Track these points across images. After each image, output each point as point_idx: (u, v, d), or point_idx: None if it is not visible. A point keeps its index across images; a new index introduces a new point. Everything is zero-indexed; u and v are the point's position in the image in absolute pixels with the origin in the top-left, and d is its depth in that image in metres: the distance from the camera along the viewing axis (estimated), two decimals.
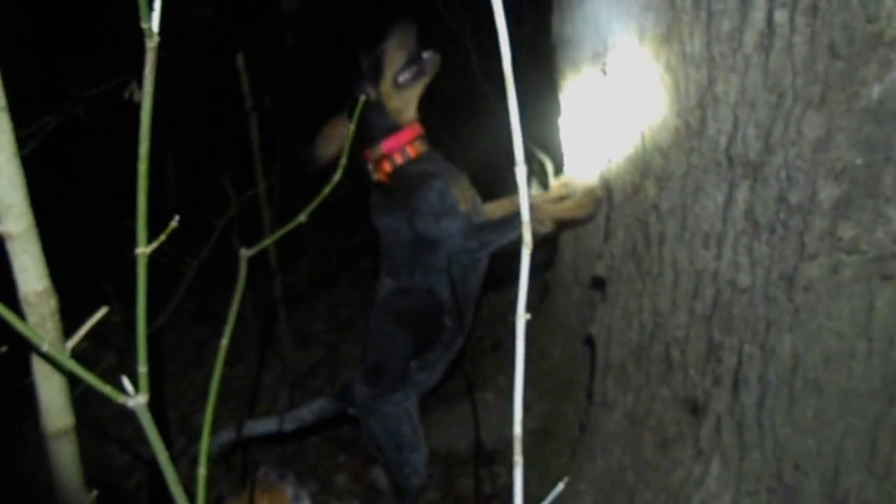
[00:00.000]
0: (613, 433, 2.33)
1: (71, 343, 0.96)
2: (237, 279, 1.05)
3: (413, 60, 2.50)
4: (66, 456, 1.00)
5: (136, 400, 0.82)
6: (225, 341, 0.92)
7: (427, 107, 2.69)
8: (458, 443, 3.51)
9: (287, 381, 4.35)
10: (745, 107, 1.78)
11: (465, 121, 5.35)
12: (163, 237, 0.83)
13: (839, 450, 1.87)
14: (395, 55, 2.49)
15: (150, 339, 0.86)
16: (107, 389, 0.81)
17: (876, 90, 1.61)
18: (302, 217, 1.10)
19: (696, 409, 2.08)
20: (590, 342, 2.46)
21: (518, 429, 0.59)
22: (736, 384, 1.97)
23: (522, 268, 0.64)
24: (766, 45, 1.71)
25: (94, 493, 1.07)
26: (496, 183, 2.82)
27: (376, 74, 2.51)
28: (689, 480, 2.10)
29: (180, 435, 3.97)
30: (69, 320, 1.02)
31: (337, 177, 1.16)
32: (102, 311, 0.98)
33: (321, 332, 5.06)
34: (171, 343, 4.85)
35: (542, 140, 3.27)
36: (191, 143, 6.41)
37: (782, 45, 1.69)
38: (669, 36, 1.89)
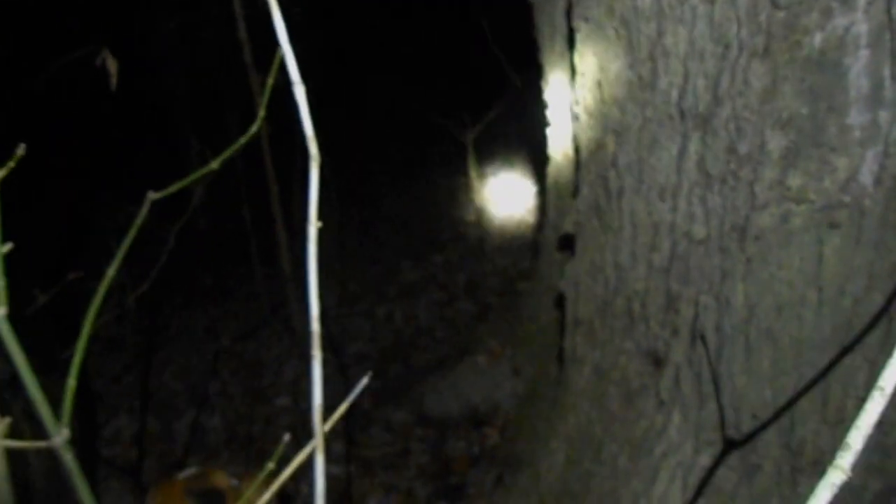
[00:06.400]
0: (583, 389, 2.37)
1: None
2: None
3: None
4: None
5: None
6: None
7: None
8: (450, 407, 3.58)
9: (295, 354, 4.48)
10: (694, 59, 1.79)
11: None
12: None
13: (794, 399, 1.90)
14: None
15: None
16: None
17: (818, 39, 1.62)
18: (214, 164, 1.12)
19: (657, 361, 2.11)
20: (561, 300, 2.50)
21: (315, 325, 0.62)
22: (693, 335, 2.00)
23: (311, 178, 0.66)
24: None
25: None
26: None
27: None
28: (651, 431, 2.14)
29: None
30: None
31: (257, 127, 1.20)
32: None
33: (332, 306, 5.14)
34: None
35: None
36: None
37: None
38: None
